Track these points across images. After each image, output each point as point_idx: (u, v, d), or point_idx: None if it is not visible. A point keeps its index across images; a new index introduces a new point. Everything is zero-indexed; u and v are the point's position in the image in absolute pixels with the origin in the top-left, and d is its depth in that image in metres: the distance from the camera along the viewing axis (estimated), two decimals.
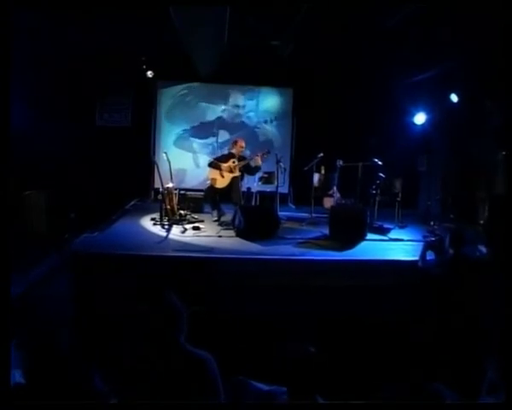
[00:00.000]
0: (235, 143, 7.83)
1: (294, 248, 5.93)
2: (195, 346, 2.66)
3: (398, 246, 6.36)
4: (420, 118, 9.52)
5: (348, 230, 6.38)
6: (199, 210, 8.22)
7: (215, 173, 7.59)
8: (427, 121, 9.49)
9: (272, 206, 7.44)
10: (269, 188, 8.67)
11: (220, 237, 6.36)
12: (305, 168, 8.11)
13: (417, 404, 2.70)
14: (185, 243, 5.90)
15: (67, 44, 8.13)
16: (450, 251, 4.76)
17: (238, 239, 6.27)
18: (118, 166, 9.57)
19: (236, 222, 6.50)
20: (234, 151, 7.76)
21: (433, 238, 5.86)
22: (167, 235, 6.38)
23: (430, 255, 5.13)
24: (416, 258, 5.21)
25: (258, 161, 7.68)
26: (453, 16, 5.99)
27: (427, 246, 5.24)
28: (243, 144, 7.79)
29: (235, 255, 5.29)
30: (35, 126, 8.51)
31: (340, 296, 5.05)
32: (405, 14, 6.08)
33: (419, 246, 6.13)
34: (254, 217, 6.43)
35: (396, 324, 4.80)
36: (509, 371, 2.93)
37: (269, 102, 10.80)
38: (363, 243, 6.36)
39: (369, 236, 6.69)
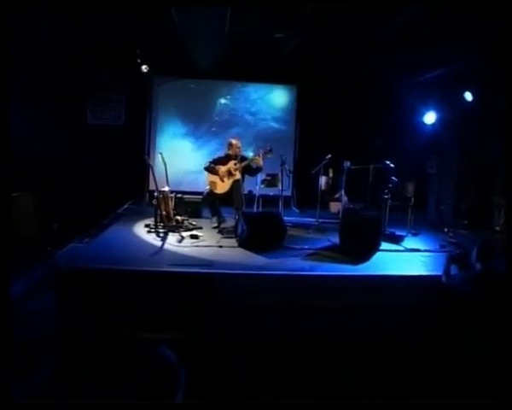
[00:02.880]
0: (231, 144, 7.27)
1: (303, 260, 5.39)
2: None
3: (415, 257, 5.86)
4: (430, 117, 9.07)
5: (361, 239, 5.84)
6: (197, 215, 7.72)
7: (214, 177, 7.06)
8: (438, 121, 9.06)
9: (278, 213, 6.84)
10: (272, 191, 8.14)
11: (221, 247, 5.80)
12: (313, 171, 7.56)
13: (417, 404, 2.73)
14: (182, 256, 5.34)
15: (56, 37, 7.67)
16: (478, 266, 4.27)
17: (241, 250, 5.74)
18: (110, 167, 9.12)
19: (239, 231, 5.95)
20: (230, 153, 7.22)
21: (457, 251, 5.35)
22: (162, 245, 5.83)
23: (453, 269, 4.65)
24: (438, 272, 4.69)
25: (260, 161, 7.14)
26: (467, 12, 5.71)
27: (451, 259, 4.75)
28: (239, 144, 7.26)
29: (238, 271, 4.72)
30: (22, 125, 7.93)
31: (357, 317, 4.59)
32: (415, 10, 5.82)
33: (437, 257, 5.78)
34: (258, 225, 5.87)
35: (419, 348, 4.37)
36: (509, 371, 2.89)
37: (272, 99, 10.29)
38: (378, 255, 5.85)
39: (382, 245, 6.19)
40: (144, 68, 8.94)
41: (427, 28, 6.51)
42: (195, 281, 4.51)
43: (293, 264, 5.19)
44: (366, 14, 6.23)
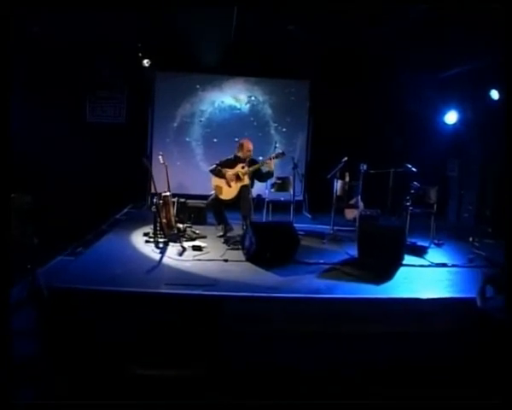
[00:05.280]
0: (241, 146, 6.71)
1: (319, 279, 4.83)
2: None
3: (442, 274, 5.29)
4: (451, 117, 8.67)
5: (383, 253, 5.28)
6: (201, 222, 7.23)
7: (220, 181, 6.51)
8: (460, 121, 8.67)
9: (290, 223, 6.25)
10: (283, 196, 7.59)
11: (226, 261, 5.24)
12: (329, 176, 6.99)
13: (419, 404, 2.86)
14: (182, 272, 4.78)
15: (55, 33, 7.40)
16: None
17: (248, 265, 5.18)
18: (110, 168, 8.76)
19: (247, 243, 5.39)
20: (240, 155, 6.68)
21: (494, 271, 4.80)
22: (161, 258, 5.27)
23: (489, 291, 4.11)
24: (471, 294, 4.21)
25: (271, 165, 6.63)
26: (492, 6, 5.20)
27: (487, 280, 4.22)
28: (250, 147, 6.69)
29: (246, 293, 4.14)
30: (18, 123, 7.52)
31: (381, 346, 4.06)
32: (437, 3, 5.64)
33: (466, 273, 5.30)
34: (269, 238, 5.31)
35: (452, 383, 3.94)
36: (509, 372, 2.86)
37: (282, 96, 9.78)
38: (401, 270, 5.27)
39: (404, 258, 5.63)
40: (146, 63, 8.68)
41: (450, 23, 6.17)
42: (197, 304, 3.96)
43: (309, 283, 4.65)
44: (384, 9, 6.02)
